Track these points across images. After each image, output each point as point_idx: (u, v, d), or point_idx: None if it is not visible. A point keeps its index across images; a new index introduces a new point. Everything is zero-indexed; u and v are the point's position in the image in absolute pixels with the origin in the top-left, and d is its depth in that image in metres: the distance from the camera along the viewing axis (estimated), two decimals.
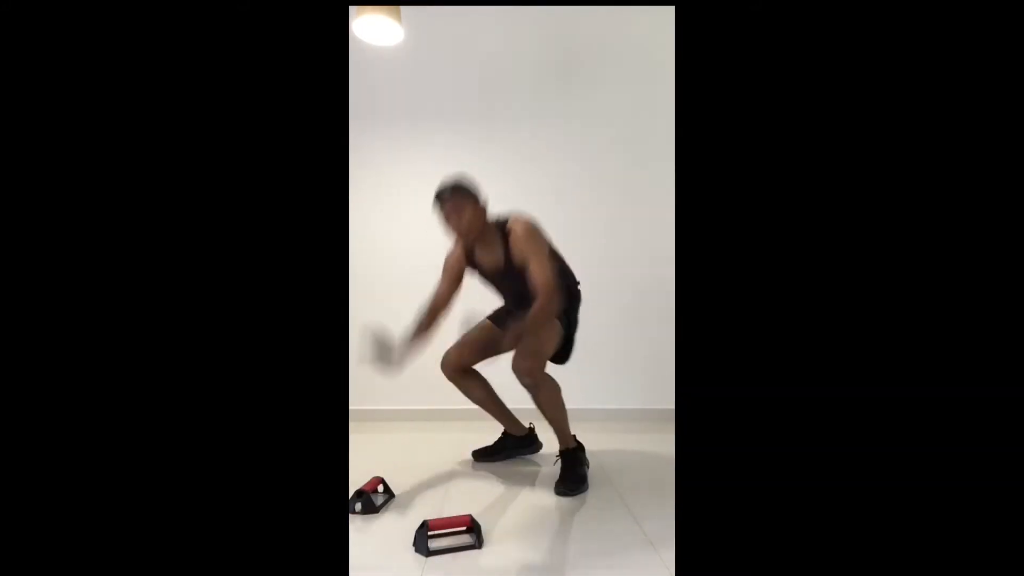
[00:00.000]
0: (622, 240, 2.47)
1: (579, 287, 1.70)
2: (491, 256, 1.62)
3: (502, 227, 1.58)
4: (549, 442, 1.89)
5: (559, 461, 1.61)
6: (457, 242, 1.67)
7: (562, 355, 1.66)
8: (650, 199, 2.45)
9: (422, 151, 2.48)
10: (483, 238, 1.62)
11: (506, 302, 1.73)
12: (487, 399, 1.79)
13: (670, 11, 2.19)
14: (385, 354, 1.55)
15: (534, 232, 1.54)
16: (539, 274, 1.47)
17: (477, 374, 1.78)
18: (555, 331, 1.58)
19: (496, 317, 1.74)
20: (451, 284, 1.71)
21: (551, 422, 1.61)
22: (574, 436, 1.65)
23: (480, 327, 1.74)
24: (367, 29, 1.73)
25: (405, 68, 2.44)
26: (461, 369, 1.74)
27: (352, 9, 1.65)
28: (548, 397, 1.57)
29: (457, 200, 1.56)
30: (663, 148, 2.40)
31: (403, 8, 1.81)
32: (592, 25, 2.46)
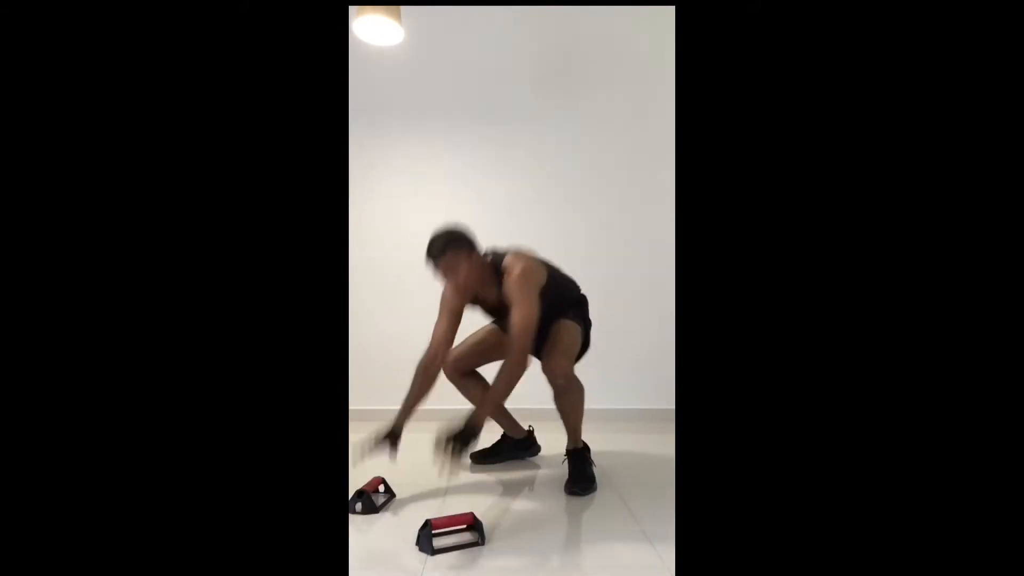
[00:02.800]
0: (622, 240, 2.47)
1: (582, 292, 1.71)
2: (491, 294, 1.58)
3: (498, 265, 1.53)
4: (548, 444, 1.89)
5: (566, 461, 1.61)
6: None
7: (579, 354, 1.68)
8: (650, 199, 2.45)
9: (422, 151, 2.48)
10: (482, 283, 1.55)
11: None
12: None
13: (670, 11, 2.19)
14: (382, 445, 1.52)
15: (527, 277, 1.48)
16: (516, 327, 1.43)
17: (478, 375, 1.77)
18: (578, 332, 1.60)
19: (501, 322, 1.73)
20: (451, 321, 1.63)
21: (568, 423, 1.62)
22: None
23: (485, 330, 1.74)
24: (367, 29, 1.73)
25: (405, 68, 2.44)
26: (462, 371, 1.74)
27: (352, 9, 1.65)
28: (574, 398, 1.59)
29: (450, 258, 1.48)
30: (663, 148, 2.40)
31: (403, 8, 1.81)
32: (592, 25, 2.46)
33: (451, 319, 1.63)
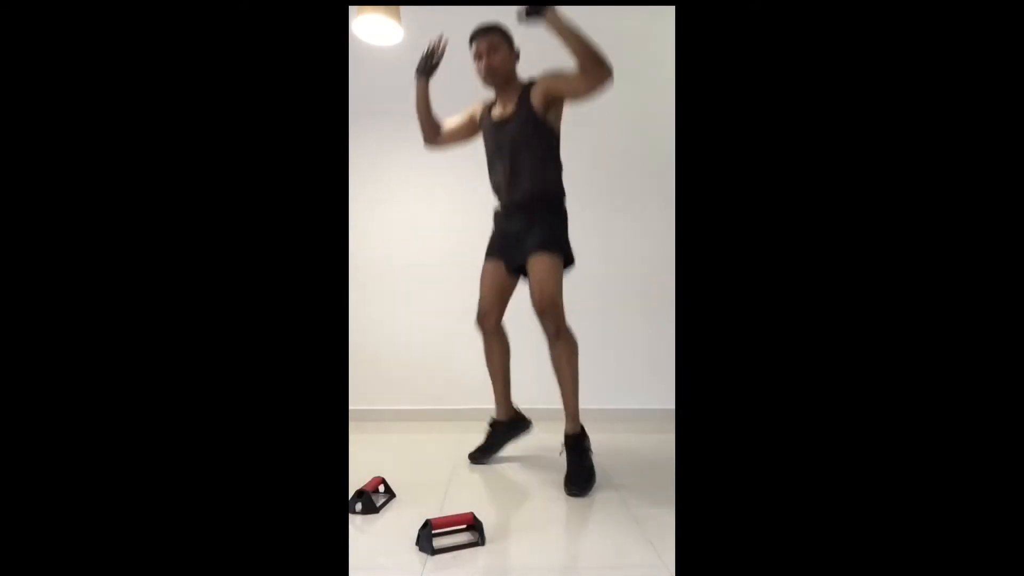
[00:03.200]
0: (622, 239, 2.47)
1: (563, 187, 1.72)
2: (504, 109, 1.70)
3: (529, 83, 1.65)
4: (547, 443, 1.88)
5: (564, 451, 1.58)
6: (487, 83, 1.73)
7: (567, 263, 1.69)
8: (650, 199, 2.45)
9: (422, 151, 2.47)
10: (506, 89, 1.70)
11: (496, 175, 1.75)
12: (500, 370, 1.82)
13: (670, 11, 2.19)
14: (428, 61, 1.77)
15: None
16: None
17: (506, 341, 1.81)
18: (559, 267, 1.61)
19: (491, 251, 1.78)
20: (460, 126, 1.83)
21: (563, 384, 1.62)
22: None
23: (488, 275, 1.77)
24: (367, 29, 1.73)
25: (405, 68, 2.44)
26: (496, 324, 1.78)
27: (352, 9, 1.65)
28: (567, 351, 1.61)
29: (496, 39, 1.66)
30: (663, 148, 2.40)
31: (403, 8, 1.81)
32: (592, 25, 2.45)
33: (464, 125, 1.84)
